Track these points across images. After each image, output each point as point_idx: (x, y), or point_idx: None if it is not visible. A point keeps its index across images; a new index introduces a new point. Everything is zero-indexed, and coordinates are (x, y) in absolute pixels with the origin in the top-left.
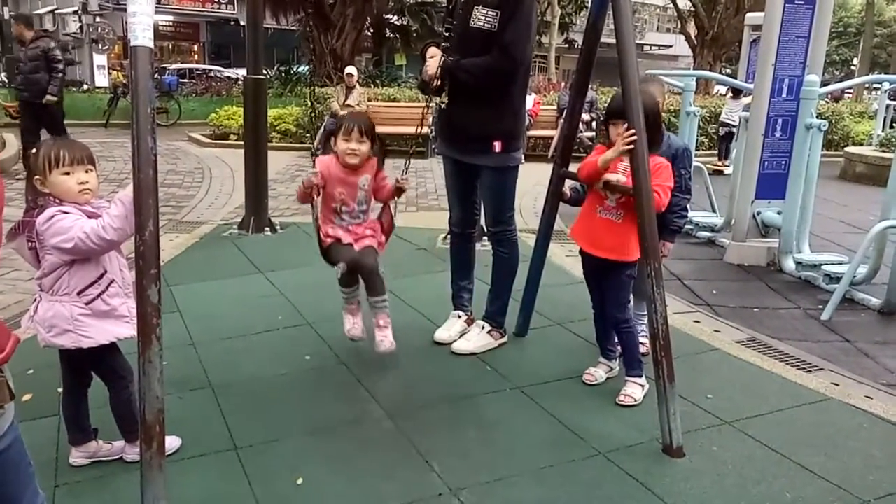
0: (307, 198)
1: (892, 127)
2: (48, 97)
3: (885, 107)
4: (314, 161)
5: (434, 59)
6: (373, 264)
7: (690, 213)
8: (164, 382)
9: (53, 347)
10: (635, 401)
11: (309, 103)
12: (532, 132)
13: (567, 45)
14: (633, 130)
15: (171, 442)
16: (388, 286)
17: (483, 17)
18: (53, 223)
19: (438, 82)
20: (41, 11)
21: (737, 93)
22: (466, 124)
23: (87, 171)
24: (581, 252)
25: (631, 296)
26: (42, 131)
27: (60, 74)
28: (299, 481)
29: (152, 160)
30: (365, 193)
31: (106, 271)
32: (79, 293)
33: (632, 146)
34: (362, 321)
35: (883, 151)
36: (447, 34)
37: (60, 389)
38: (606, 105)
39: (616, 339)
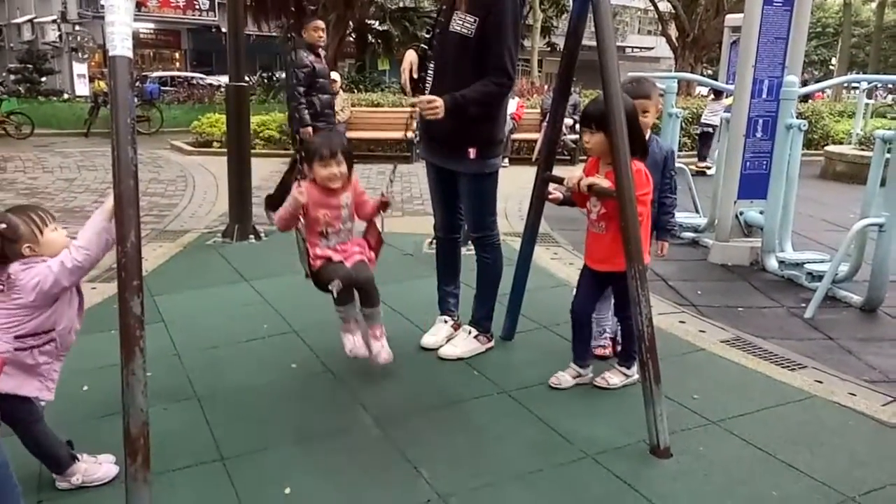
0: (293, 221)
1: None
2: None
3: (864, 105)
4: (298, 165)
5: (406, 64)
6: (369, 277)
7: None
8: (147, 394)
9: None
10: (608, 384)
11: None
12: (516, 135)
13: (549, 49)
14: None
15: (108, 470)
16: None
17: (461, 23)
18: (28, 269)
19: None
20: (19, 20)
21: (718, 94)
22: (443, 131)
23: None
24: None
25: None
26: None
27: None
28: (287, 491)
29: (133, 171)
30: (348, 210)
31: (54, 329)
32: (18, 336)
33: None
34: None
35: (862, 150)
36: (429, 38)
37: None
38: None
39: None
